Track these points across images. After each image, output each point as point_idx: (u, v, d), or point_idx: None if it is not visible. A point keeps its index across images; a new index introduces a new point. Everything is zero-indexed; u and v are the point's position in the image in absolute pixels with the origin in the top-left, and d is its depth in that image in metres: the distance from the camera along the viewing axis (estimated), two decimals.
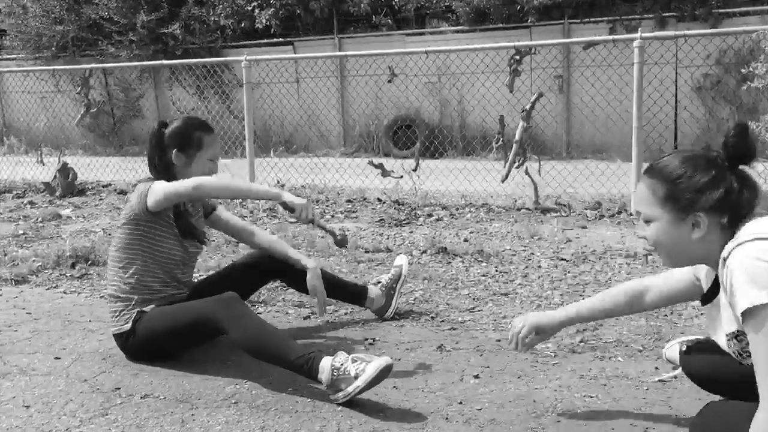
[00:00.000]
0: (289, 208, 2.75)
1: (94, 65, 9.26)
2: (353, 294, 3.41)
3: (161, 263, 2.93)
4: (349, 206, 6.63)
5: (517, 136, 6.24)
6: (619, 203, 6.06)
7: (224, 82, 12.31)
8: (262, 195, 2.78)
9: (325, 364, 2.47)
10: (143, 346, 2.87)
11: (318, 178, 7.85)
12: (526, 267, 4.31)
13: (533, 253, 4.64)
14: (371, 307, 3.41)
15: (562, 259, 4.45)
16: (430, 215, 6.04)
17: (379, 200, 6.81)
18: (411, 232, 5.44)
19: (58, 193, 7.76)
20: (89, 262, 4.58)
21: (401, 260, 3.55)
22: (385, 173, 6.69)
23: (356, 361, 2.47)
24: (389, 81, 7.19)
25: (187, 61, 8.79)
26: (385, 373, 2.45)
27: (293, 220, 2.80)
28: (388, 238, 5.25)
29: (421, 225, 5.74)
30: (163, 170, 2.93)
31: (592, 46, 6.59)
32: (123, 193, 7.84)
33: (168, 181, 2.86)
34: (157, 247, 2.90)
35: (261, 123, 12.18)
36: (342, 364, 2.46)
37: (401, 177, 6.74)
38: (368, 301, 3.40)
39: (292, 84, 12.41)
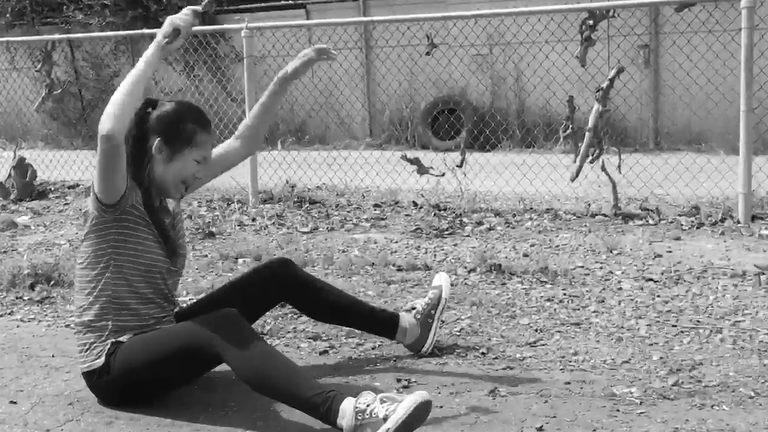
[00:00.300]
0: (174, 35, 2.85)
1: (58, 36, 9.42)
2: (381, 323, 3.41)
3: (139, 273, 2.93)
4: (377, 212, 6.65)
5: (590, 123, 6.21)
6: (722, 207, 5.99)
7: (219, 55, 12.42)
8: (150, 61, 2.81)
9: (347, 405, 2.47)
10: (120, 385, 2.89)
11: (338, 176, 7.88)
12: (603, 289, 4.29)
13: (612, 272, 4.61)
14: (404, 341, 3.41)
15: (650, 280, 4.41)
16: (479, 223, 6.03)
17: (415, 204, 6.82)
18: (455, 245, 5.44)
19: (13, 196, 7.88)
20: (52, 282, 4.64)
21: (441, 280, 3.54)
22: (422, 170, 6.69)
23: (385, 401, 2.47)
24: (427, 53, 7.19)
25: None
26: (421, 412, 2.44)
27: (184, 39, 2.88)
28: (426, 253, 5.25)
29: (468, 236, 5.73)
30: (134, 159, 2.93)
31: (687, 7, 6.53)
32: None
33: (137, 173, 2.90)
34: (132, 253, 2.91)
35: None
36: (368, 406, 2.46)
37: (443, 175, 6.73)
38: (400, 333, 3.39)
39: None
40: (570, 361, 3.29)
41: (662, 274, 4.51)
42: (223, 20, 12.88)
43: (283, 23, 8.42)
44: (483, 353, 3.40)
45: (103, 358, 2.89)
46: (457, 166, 6.82)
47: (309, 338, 3.67)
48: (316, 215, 6.61)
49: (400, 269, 4.79)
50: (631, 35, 10.41)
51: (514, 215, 6.27)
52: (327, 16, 12.25)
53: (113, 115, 2.68)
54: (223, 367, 2.80)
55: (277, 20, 11.49)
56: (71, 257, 5.17)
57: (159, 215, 2.99)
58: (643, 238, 5.41)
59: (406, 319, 3.39)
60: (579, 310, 3.96)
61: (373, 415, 2.43)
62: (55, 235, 6.19)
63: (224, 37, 12.53)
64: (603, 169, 6.17)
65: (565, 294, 4.22)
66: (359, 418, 2.44)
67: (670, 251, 5.05)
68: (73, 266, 4.82)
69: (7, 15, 14.05)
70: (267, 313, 3.56)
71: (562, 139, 6.80)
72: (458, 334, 3.66)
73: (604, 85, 6.18)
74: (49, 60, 9.17)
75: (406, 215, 6.50)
